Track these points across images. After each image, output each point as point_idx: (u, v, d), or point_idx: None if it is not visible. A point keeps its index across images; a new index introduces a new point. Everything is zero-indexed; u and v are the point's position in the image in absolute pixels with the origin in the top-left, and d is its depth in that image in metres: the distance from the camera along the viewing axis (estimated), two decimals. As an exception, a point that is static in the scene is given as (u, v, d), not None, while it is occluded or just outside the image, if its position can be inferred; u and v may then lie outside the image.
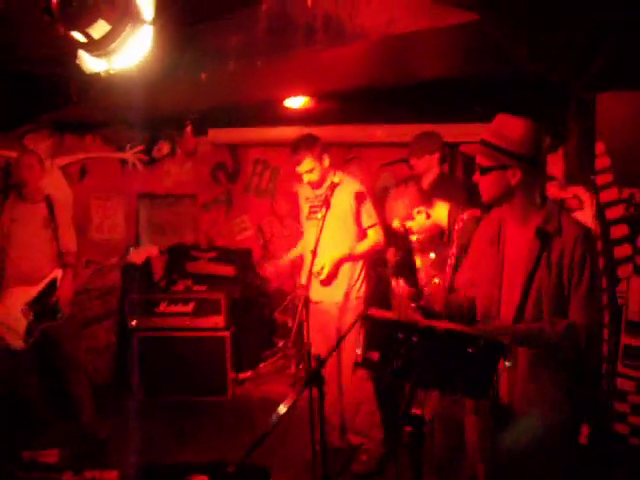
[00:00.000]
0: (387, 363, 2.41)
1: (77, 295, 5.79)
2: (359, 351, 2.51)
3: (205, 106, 5.71)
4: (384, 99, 5.34)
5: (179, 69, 3.66)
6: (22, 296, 4.68)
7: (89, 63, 2.24)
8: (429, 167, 4.80)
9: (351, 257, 4.45)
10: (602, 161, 2.50)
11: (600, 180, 2.50)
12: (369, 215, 4.45)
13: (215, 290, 5.97)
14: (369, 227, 4.45)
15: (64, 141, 6.22)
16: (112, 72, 2.31)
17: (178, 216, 6.98)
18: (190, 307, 5.84)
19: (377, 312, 2.63)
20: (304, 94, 5.13)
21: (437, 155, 4.81)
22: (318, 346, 4.01)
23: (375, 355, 2.46)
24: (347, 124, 6.51)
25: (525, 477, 2.61)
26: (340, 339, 2.73)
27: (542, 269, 2.51)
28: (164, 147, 6.78)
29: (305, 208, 4.64)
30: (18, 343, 4.61)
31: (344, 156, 6.95)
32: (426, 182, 4.66)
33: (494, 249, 2.71)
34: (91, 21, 2.05)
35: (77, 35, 2.13)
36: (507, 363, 2.31)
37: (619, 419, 2.49)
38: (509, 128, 2.56)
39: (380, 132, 6.47)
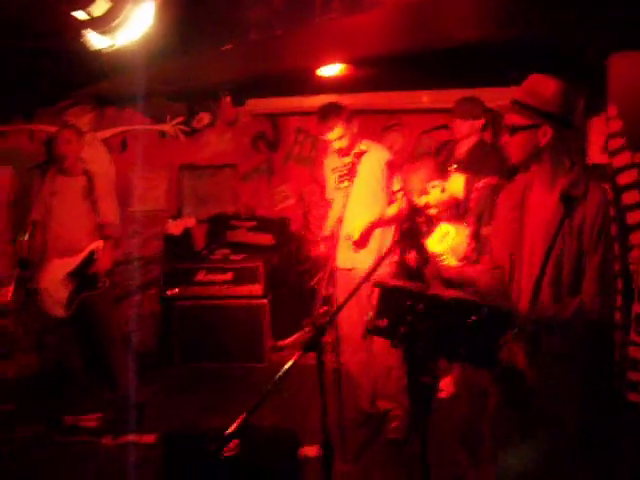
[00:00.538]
0: (394, 330, 2.43)
1: (121, 265, 5.99)
2: (369, 317, 2.54)
3: (240, 76, 5.73)
4: (421, 65, 5.28)
5: (197, 42, 3.68)
6: (63, 267, 4.83)
7: (93, 40, 2.28)
8: (470, 132, 4.71)
9: (382, 222, 4.46)
10: (614, 124, 2.43)
11: (612, 144, 2.44)
12: (398, 181, 4.45)
13: (253, 259, 6.04)
14: (397, 191, 4.46)
15: (104, 114, 6.34)
16: (115, 48, 2.35)
17: (219, 186, 7.04)
18: (228, 276, 5.94)
19: (389, 280, 2.64)
20: (333, 62, 5.11)
21: (481, 121, 4.72)
22: (351, 312, 4.05)
23: (383, 322, 2.49)
24: (387, 91, 6.46)
25: (536, 442, 2.60)
26: (341, 306, 2.72)
27: (564, 235, 2.47)
28: (204, 118, 6.84)
29: (332, 179, 4.63)
30: (59, 312, 4.78)
31: (385, 123, 6.92)
32: (464, 148, 4.61)
33: (516, 214, 2.67)
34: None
35: (79, 14, 2.18)
36: (514, 332, 2.30)
37: (632, 388, 2.46)
38: (541, 87, 2.51)
39: (425, 98, 6.40)
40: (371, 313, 2.54)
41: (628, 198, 2.41)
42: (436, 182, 3.70)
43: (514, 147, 2.57)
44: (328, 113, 4.42)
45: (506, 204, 2.75)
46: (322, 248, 4.82)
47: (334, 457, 2.55)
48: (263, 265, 5.96)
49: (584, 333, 2.51)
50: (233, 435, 2.25)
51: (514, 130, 2.54)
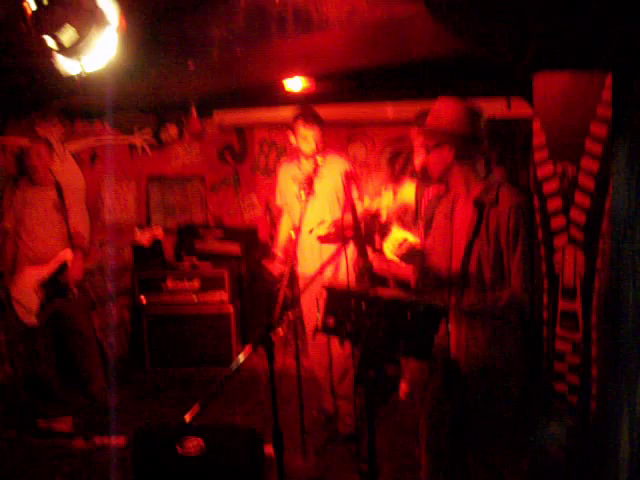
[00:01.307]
0: (341, 328, 2.67)
1: (91, 274, 6.15)
2: (318, 317, 2.76)
3: (205, 90, 5.93)
4: (383, 78, 5.48)
5: (162, 59, 3.90)
6: (34, 275, 4.99)
7: (64, 65, 2.48)
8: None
9: (338, 229, 4.63)
10: (538, 137, 2.69)
11: (537, 156, 2.69)
12: (355, 190, 4.65)
13: (219, 267, 6.24)
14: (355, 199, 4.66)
15: (74, 127, 6.49)
16: (85, 74, 2.56)
17: (187, 197, 7.25)
18: (196, 283, 6.13)
19: (335, 283, 2.87)
20: (295, 76, 5.33)
21: None
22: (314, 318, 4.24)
23: (331, 321, 2.71)
24: (351, 103, 6.66)
25: (469, 428, 2.84)
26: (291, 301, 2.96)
27: (481, 238, 2.76)
28: (171, 130, 7.03)
29: (289, 186, 4.76)
30: (31, 320, 4.94)
31: (348, 134, 7.16)
32: (419, 158, 4.84)
33: (447, 222, 2.97)
34: (59, 26, 2.29)
35: (49, 40, 2.38)
36: (448, 325, 2.55)
37: (558, 378, 2.70)
38: (443, 110, 2.86)
39: (389, 110, 6.60)
40: (320, 313, 2.77)
41: (552, 205, 2.66)
42: (389, 186, 3.94)
43: (431, 164, 2.92)
44: (310, 114, 4.60)
45: (440, 213, 3.05)
46: (277, 266, 4.85)
47: (283, 455, 2.79)
48: (229, 272, 6.16)
49: (516, 322, 2.80)
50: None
51: (427, 150, 2.88)
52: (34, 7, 2.29)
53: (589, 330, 2.59)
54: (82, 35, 2.36)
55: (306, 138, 4.56)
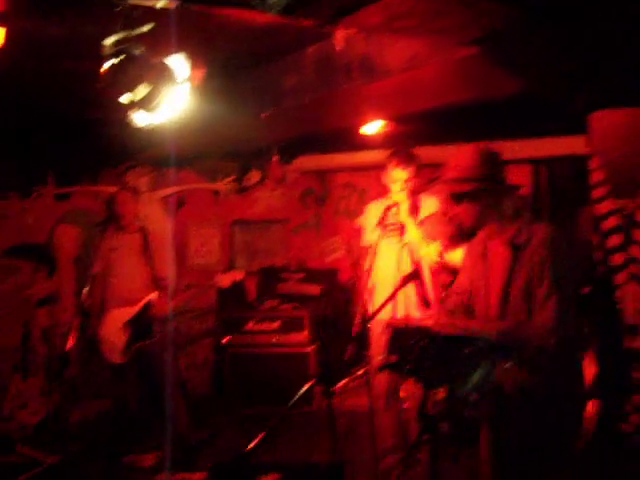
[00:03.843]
0: (403, 365, 2.72)
1: (177, 316, 6.38)
2: (380, 357, 2.83)
3: (284, 137, 6.15)
4: (458, 119, 5.55)
5: (239, 109, 4.10)
6: (121, 316, 5.23)
7: (136, 119, 2.69)
8: None
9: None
10: (597, 175, 2.70)
11: (595, 193, 2.70)
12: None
13: (300, 308, 6.36)
14: None
15: (162, 175, 6.82)
16: (155, 126, 2.75)
17: (270, 240, 7.45)
18: (276, 324, 6.26)
19: (397, 321, 2.93)
20: (371, 120, 5.46)
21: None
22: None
23: (394, 358, 2.77)
24: (432, 144, 6.72)
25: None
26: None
27: (517, 279, 2.76)
28: (254, 176, 7.26)
29: (375, 226, 4.58)
30: (117, 358, 5.17)
31: (430, 175, 7.20)
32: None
33: (480, 262, 2.99)
34: (130, 83, 2.49)
35: (123, 98, 2.59)
36: (507, 364, 2.55)
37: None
38: (461, 159, 2.88)
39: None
40: (383, 353, 2.83)
41: (612, 241, 2.66)
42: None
43: (463, 215, 2.91)
44: (408, 154, 4.55)
45: (471, 254, 3.08)
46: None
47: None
48: (309, 314, 6.27)
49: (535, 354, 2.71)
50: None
51: (457, 201, 2.88)
52: (108, 64, 2.50)
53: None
54: (152, 90, 2.55)
55: (396, 179, 4.49)
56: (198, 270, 6.98)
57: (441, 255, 4.03)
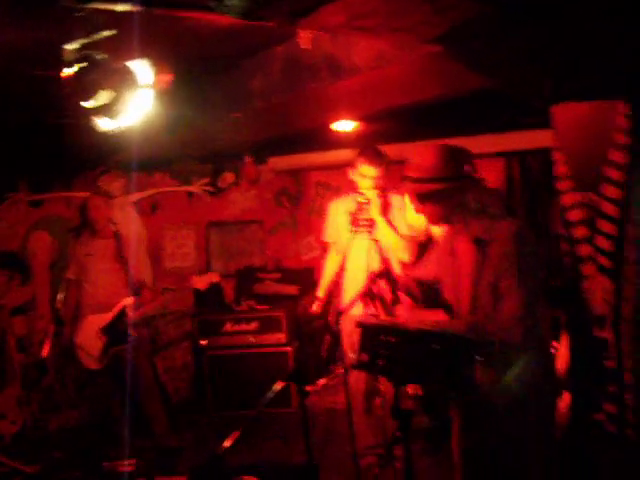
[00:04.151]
0: (374, 363, 2.72)
1: (154, 319, 6.37)
2: (353, 355, 2.83)
3: (256, 138, 6.15)
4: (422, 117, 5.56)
5: (209, 112, 4.10)
6: (97, 322, 5.21)
7: (100, 124, 2.68)
8: None
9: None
10: (561, 168, 2.73)
11: (560, 186, 2.73)
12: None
13: (276, 308, 6.36)
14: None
15: (135, 179, 6.79)
16: (119, 130, 2.74)
17: (246, 241, 7.43)
18: (254, 325, 6.25)
19: (367, 318, 2.94)
20: (342, 119, 5.47)
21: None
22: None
23: (365, 357, 2.78)
24: (401, 142, 6.75)
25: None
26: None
27: (484, 274, 2.77)
28: (228, 177, 7.26)
29: (341, 221, 4.70)
30: (94, 364, 5.15)
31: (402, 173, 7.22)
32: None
33: (449, 259, 2.98)
34: (92, 89, 2.48)
35: (86, 104, 2.58)
36: (478, 358, 2.56)
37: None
38: (424, 157, 2.83)
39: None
40: (354, 352, 2.83)
41: (578, 233, 2.68)
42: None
43: (427, 213, 2.90)
44: (376, 152, 4.51)
45: (437, 249, 3.10)
46: (315, 307, 4.91)
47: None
48: (286, 314, 6.27)
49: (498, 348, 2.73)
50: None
51: (421, 200, 2.85)
52: (70, 72, 2.49)
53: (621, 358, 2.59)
54: (114, 96, 2.55)
55: (365, 175, 4.47)
56: (174, 273, 6.97)
57: (427, 228, 4.02)
